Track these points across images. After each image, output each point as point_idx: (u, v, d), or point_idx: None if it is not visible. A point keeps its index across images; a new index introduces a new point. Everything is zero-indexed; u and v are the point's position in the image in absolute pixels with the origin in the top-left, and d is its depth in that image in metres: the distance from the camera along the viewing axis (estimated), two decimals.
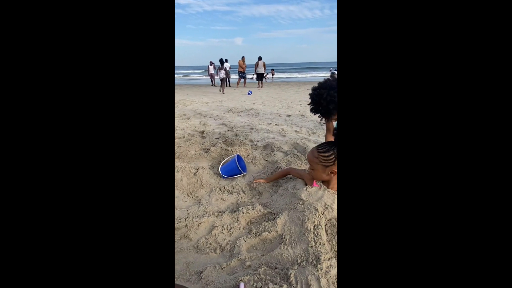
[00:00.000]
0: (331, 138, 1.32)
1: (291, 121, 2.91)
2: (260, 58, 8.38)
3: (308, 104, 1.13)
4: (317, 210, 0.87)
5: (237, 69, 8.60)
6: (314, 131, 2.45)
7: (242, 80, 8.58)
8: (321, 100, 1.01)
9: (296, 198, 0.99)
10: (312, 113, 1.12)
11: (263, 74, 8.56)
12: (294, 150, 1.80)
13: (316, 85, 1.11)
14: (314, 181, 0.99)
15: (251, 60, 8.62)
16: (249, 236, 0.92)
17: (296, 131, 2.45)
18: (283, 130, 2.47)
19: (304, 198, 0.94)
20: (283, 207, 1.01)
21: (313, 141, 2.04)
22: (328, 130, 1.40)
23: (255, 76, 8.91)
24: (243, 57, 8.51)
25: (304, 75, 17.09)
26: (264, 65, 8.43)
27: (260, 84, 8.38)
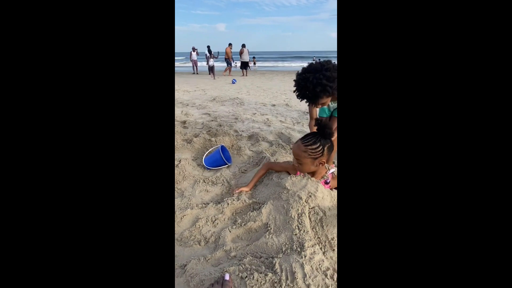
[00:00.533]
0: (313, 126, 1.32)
1: (276, 111, 2.90)
2: (244, 46, 8.13)
3: (294, 91, 1.08)
4: (301, 198, 0.88)
5: (222, 57, 8.32)
6: (299, 120, 2.46)
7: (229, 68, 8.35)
8: (307, 83, 0.98)
9: (281, 188, 0.99)
10: (299, 99, 1.08)
11: (247, 62, 8.36)
12: (279, 140, 1.80)
13: (299, 70, 1.07)
14: (298, 171, 1.00)
15: (234, 47, 8.35)
16: (234, 226, 0.91)
17: (281, 121, 2.45)
18: (268, 120, 2.46)
19: (288, 187, 0.95)
20: (268, 197, 1.01)
21: (297, 131, 2.06)
22: (311, 118, 1.38)
23: (238, 64, 8.68)
24: (230, 44, 8.20)
25: (289, 64, 17.00)
26: (248, 52, 8.23)
27: (245, 73, 8.20)
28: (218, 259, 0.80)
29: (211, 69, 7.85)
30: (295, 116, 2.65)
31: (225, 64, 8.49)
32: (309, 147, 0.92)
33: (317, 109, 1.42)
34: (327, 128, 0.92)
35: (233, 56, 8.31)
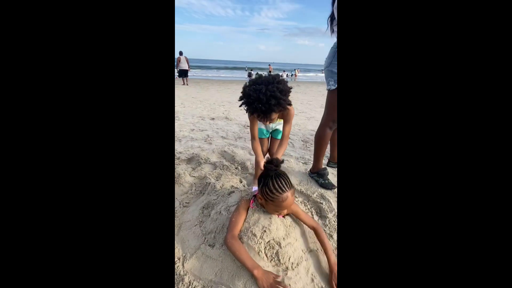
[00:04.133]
0: (258, 145, 1.18)
1: (216, 125, 2.79)
2: (181, 53, 7.63)
3: (241, 105, 0.98)
4: (255, 235, 0.81)
5: None
6: (240, 135, 2.44)
7: None
8: (260, 95, 0.88)
9: None
10: (249, 113, 0.98)
11: (187, 70, 7.86)
12: (223, 160, 1.70)
13: (247, 82, 0.98)
14: (252, 201, 0.93)
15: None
16: (181, 284, 0.75)
17: (222, 136, 2.36)
18: (208, 136, 2.32)
19: None
20: (217, 235, 0.90)
21: (240, 147, 2.02)
22: (253, 138, 1.21)
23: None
24: None
25: (222, 75, 17.14)
26: (187, 60, 7.72)
27: (185, 81, 7.71)
28: None
29: None
30: (236, 131, 2.61)
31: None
32: (292, 184, 0.83)
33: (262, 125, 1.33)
34: (278, 163, 0.86)
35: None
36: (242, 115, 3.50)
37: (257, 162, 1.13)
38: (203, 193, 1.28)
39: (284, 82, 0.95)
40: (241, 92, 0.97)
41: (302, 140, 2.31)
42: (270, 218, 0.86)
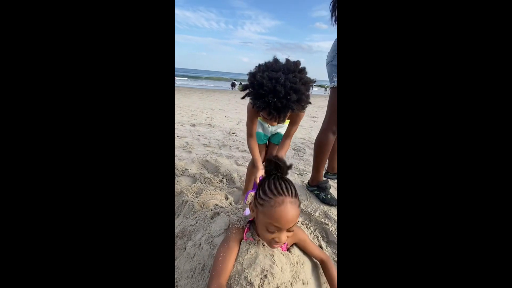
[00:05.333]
0: (255, 144, 0.94)
1: (197, 132, 2.50)
2: None
3: (246, 95, 0.73)
4: (251, 284, 0.55)
5: None
6: (225, 142, 2.18)
7: None
8: (278, 86, 0.65)
9: None
10: (257, 107, 0.71)
11: None
12: (204, 172, 1.42)
13: (255, 69, 0.73)
14: (246, 230, 0.66)
15: None
16: None
17: (204, 144, 2.08)
18: (187, 144, 2.02)
19: None
20: (196, 281, 0.62)
21: (225, 156, 1.76)
22: (251, 135, 0.93)
23: None
24: None
25: (204, 84, 16.90)
26: None
27: None
28: None
29: None
30: (220, 138, 2.35)
31: None
32: (298, 196, 0.57)
33: (272, 126, 1.05)
34: (282, 162, 0.58)
35: None
36: (226, 122, 3.26)
37: (255, 164, 0.88)
38: (178, 215, 0.99)
39: (306, 72, 0.73)
40: (248, 80, 0.73)
41: (293, 149, 2.12)
42: (272, 256, 0.61)
